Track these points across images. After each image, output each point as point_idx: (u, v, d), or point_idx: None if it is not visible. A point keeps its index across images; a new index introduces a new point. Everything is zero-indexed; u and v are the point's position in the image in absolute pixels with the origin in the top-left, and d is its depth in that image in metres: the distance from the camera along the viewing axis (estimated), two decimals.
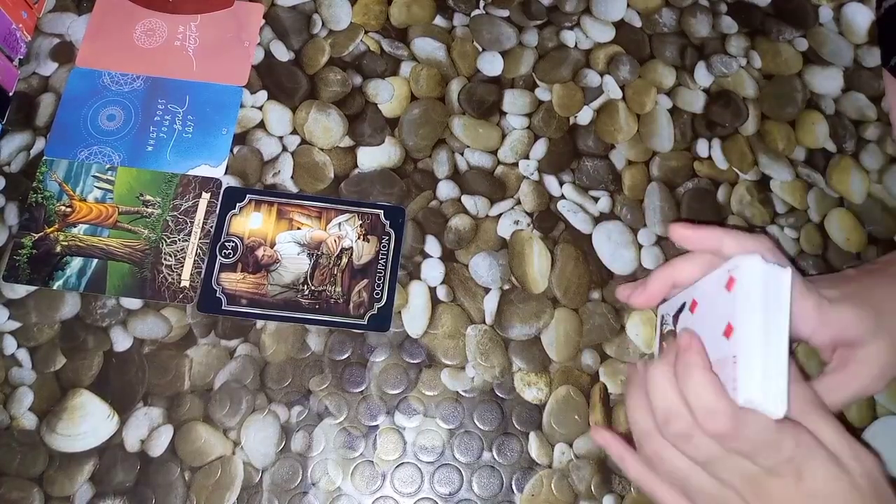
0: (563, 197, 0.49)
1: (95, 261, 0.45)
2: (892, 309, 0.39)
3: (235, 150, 0.49)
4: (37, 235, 0.46)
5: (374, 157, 0.49)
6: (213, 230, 0.46)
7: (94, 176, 0.47)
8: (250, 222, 0.47)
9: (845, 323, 0.39)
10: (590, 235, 0.48)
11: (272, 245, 0.46)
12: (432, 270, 0.47)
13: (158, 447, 0.43)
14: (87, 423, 0.43)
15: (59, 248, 0.46)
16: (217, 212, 0.47)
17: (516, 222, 0.48)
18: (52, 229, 0.46)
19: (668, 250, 0.48)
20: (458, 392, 0.45)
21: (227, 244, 0.46)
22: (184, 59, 0.51)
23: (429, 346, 0.45)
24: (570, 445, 0.44)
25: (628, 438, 0.40)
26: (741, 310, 0.34)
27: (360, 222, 0.47)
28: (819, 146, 0.52)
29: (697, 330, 0.37)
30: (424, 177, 0.49)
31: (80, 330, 0.45)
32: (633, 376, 0.39)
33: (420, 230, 0.48)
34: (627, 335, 0.46)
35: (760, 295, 0.34)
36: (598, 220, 0.49)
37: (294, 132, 0.50)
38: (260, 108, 0.50)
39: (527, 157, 0.50)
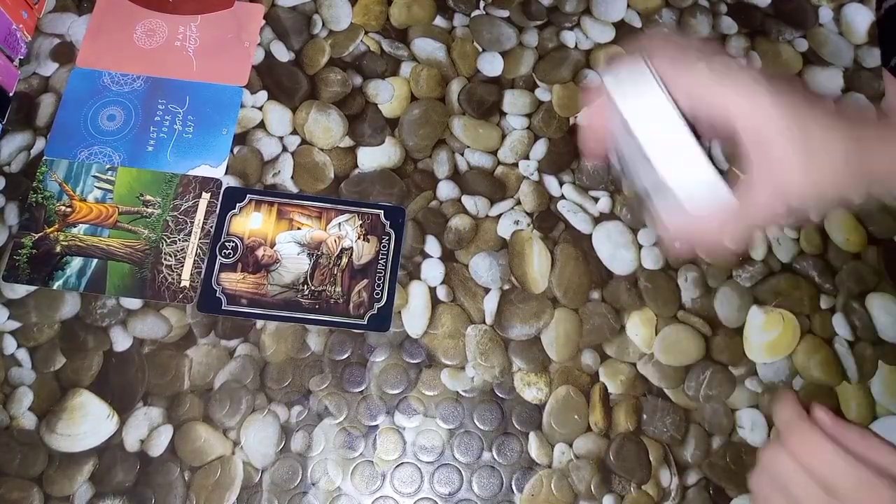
0: (563, 197, 0.49)
1: (95, 261, 0.45)
2: (824, 138, 0.34)
3: (235, 150, 0.49)
4: (37, 235, 0.46)
5: (375, 157, 0.49)
6: (213, 230, 0.46)
7: (94, 176, 0.47)
8: (250, 222, 0.47)
9: (746, 107, 0.34)
10: (590, 235, 0.48)
11: (272, 245, 0.46)
12: (432, 270, 0.47)
13: (158, 447, 0.43)
14: (87, 422, 0.43)
15: (59, 248, 0.46)
16: (217, 212, 0.47)
17: (516, 222, 0.48)
18: (52, 229, 0.46)
19: (668, 250, 0.48)
20: (458, 392, 0.45)
21: (227, 244, 0.46)
22: (184, 59, 0.51)
23: (429, 346, 0.45)
24: (570, 445, 0.44)
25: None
26: (630, 125, 0.33)
27: (361, 222, 0.47)
28: None
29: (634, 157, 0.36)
30: (424, 177, 0.49)
31: (80, 330, 0.45)
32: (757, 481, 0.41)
33: (420, 230, 0.48)
34: (627, 335, 0.46)
35: (632, 100, 0.33)
36: (598, 220, 0.49)
37: (294, 132, 0.50)
38: (260, 109, 0.50)
39: (527, 158, 0.50)
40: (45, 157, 0.48)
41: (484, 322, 0.46)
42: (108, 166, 0.48)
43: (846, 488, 0.36)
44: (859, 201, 0.38)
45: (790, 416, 0.41)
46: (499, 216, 0.48)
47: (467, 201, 0.49)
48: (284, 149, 0.49)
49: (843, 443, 0.38)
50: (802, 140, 0.35)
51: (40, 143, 0.48)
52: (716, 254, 0.38)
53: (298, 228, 0.47)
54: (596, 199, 0.49)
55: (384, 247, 0.47)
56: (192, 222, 0.47)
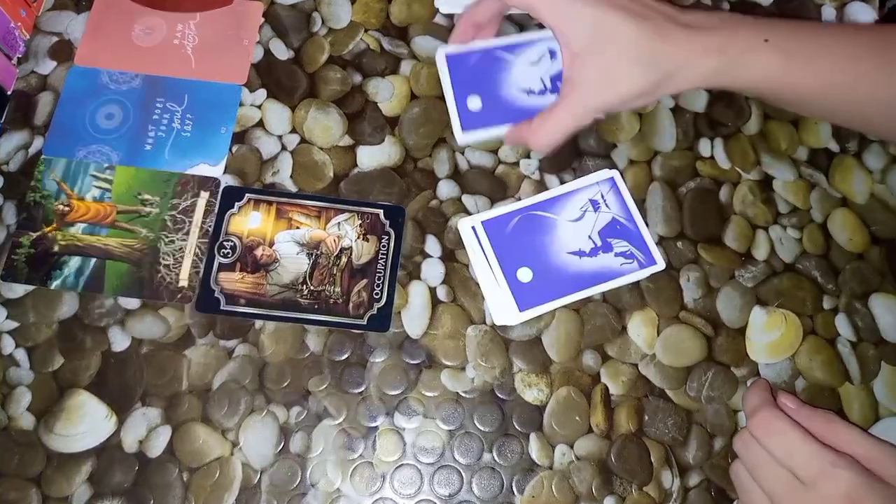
0: None
1: (93, 260, 0.45)
2: (623, 36, 0.41)
3: (234, 148, 0.49)
4: (35, 235, 0.46)
5: (374, 156, 0.49)
6: (211, 229, 0.46)
7: (92, 175, 0.47)
8: (249, 222, 0.46)
9: (577, 28, 0.42)
10: None
11: (271, 244, 0.46)
12: (432, 270, 0.47)
13: (157, 448, 0.42)
14: (85, 423, 0.42)
15: (57, 248, 0.45)
16: (216, 211, 0.47)
17: None
18: (50, 228, 0.46)
19: (670, 251, 0.48)
20: (458, 393, 0.44)
21: (225, 244, 0.46)
22: (183, 57, 0.50)
23: (429, 346, 0.45)
24: (571, 447, 0.44)
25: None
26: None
27: (360, 222, 0.47)
28: (822, 146, 0.51)
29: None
30: (424, 176, 0.49)
31: (79, 330, 0.44)
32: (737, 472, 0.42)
33: (420, 230, 0.48)
34: (629, 336, 0.46)
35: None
36: None
37: (293, 131, 0.49)
38: (259, 107, 0.50)
39: (528, 157, 0.50)
40: (43, 156, 0.47)
41: (484, 322, 0.46)
42: (106, 165, 0.47)
43: (807, 471, 0.37)
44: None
45: (757, 403, 0.41)
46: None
47: (468, 200, 0.48)
48: (283, 147, 0.49)
49: (807, 427, 0.39)
50: (608, 56, 0.41)
51: (38, 142, 0.48)
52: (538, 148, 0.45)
53: (297, 228, 0.46)
54: None
55: (384, 246, 0.46)
56: (190, 221, 0.46)
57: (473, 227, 0.46)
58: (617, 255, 0.45)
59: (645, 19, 0.41)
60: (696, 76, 0.42)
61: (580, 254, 0.45)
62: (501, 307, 0.45)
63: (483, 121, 0.47)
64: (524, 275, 0.44)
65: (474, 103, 0.47)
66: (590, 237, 0.45)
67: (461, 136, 0.47)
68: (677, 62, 0.41)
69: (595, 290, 0.45)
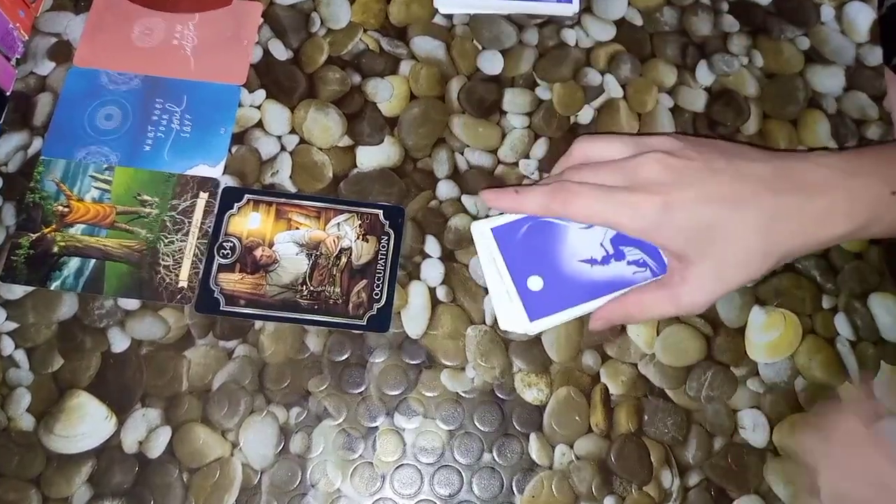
0: None
1: (93, 261, 0.45)
2: (728, 232, 0.38)
3: (233, 149, 0.49)
4: (34, 236, 0.46)
5: (374, 156, 0.49)
6: (211, 230, 0.46)
7: (91, 176, 0.47)
8: (249, 222, 0.46)
9: (670, 236, 0.39)
10: None
11: (271, 245, 0.46)
12: (432, 270, 0.47)
13: (156, 448, 0.42)
14: (85, 424, 0.42)
15: (56, 249, 0.45)
16: (215, 212, 0.47)
17: None
18: (49, 229, 0.46)
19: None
20: (458, 393, 0.44)
21: (225, 244, 0.46)
22: (182, 58, 0.50)
23: (428, 346, 0.45)
24: (571, 446, 0.44)
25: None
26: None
27: (360, 222, 0.47)
28: (820, 145, 0.51)
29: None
30: (424, 176, 0.49)
31: (78, 331, 0.44)
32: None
33: (420, 230, 0.48)
34: (628, 336, 0.46)
35: (483, 249, 0.45)
36: None
37: (293, 131, 0.49)
38: (258, 108, 0.50)
39: (527, 157, 0.50)
40: (42, 157, 0.47)
41: (484, 323, 0.46)
42: (105, 166, 0.47)
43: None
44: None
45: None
46: (499, 215, 0.48)
47: (467, 201, 0.48)
48: (283, 148, 0.49)
49: None
50: (716, 258, 0.38)
51: (37, 143, 0.48)
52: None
53: (297, 228, 0.46)
54: None
55: (383, 247, 0.46)
56: (189, 222, 0.46)
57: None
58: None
59: (742, 203, 0.37)
60: (823, 242, 0.39)
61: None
62: (511, 314, 0.43)
63: (550, 305, 0.43)
64: (535, 283, 0.43)
65: (535, 284, 0.43)
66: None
67: (528, 326, 0.43)
68: (797, 236, 0.37)
69: (607, 300, 0.43)
